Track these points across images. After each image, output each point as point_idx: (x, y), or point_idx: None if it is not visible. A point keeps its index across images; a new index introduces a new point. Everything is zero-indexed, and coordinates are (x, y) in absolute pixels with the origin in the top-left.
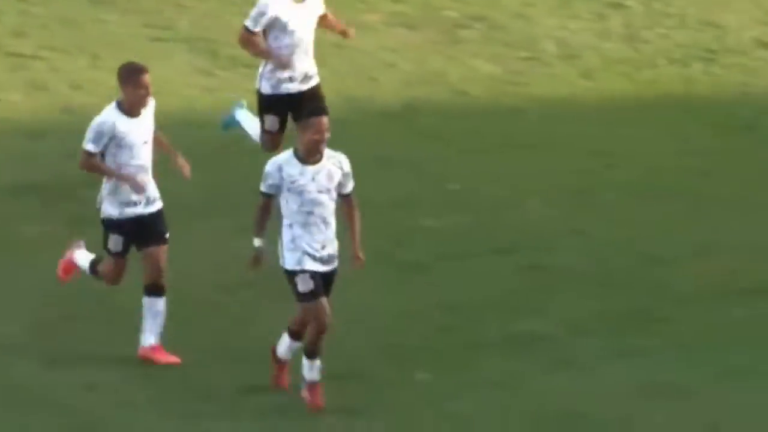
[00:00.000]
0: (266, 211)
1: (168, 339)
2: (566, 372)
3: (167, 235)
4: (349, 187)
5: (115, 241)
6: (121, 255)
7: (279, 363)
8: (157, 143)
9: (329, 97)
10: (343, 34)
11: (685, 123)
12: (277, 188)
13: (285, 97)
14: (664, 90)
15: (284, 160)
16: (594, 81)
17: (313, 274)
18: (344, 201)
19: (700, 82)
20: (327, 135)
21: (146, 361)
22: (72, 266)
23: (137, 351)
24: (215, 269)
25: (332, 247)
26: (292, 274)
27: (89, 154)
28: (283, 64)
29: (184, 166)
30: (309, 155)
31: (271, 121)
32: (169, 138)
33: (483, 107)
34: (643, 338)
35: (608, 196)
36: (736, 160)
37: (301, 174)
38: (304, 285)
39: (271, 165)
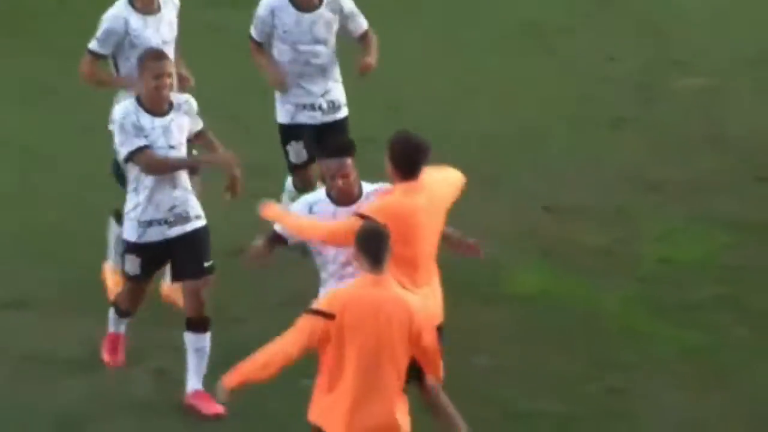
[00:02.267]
0: None
1: None
2: None
3: (208, 264)
4: None
5: (131, 263)
6: (138, 279)
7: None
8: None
9: None
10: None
11: None
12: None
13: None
14: None
15: (314, 200)
16: None
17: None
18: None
19: None
20: (353, 176)
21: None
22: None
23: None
24: None
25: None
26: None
27: None
28: (279, 82)
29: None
30: (339, 198)
31: (296, 150)
32: None
33: None
34: None
35: None
36: None
37: (334, 215)
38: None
39: (301, 204)
